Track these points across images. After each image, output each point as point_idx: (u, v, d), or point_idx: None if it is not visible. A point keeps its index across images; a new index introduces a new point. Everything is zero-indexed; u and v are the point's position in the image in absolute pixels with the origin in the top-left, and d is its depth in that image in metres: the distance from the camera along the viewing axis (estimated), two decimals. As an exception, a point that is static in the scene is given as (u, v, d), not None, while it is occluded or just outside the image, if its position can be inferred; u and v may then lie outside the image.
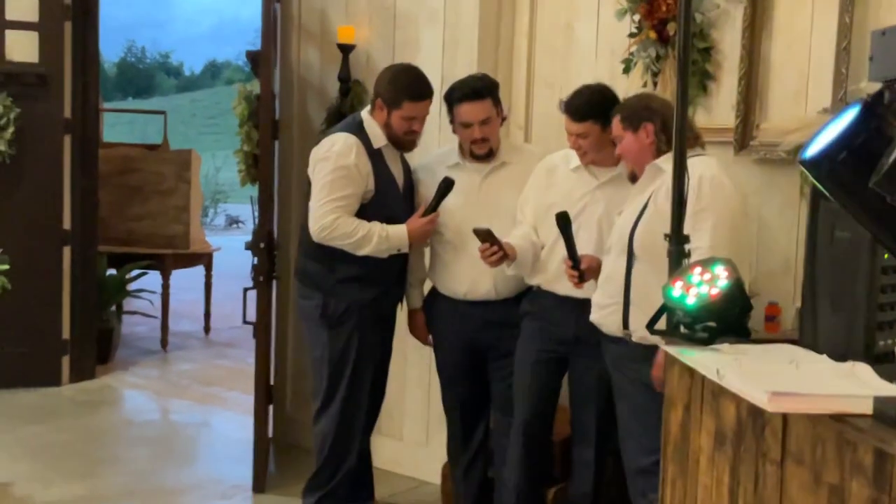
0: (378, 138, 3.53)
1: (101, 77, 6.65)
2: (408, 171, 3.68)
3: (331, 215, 3.40)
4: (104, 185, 6.54)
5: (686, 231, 2.66)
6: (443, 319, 3.69)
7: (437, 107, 3.83)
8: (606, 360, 3.17)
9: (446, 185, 3.48)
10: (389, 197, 3.54)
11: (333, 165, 3.43)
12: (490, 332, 3.57)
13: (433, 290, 3.73)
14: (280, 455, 4.68)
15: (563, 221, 3.13)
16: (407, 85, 3.52)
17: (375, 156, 3.51)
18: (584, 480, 3.41)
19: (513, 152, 3.65)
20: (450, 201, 3.53)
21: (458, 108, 3.51)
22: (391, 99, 3.50)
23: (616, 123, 3.10)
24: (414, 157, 3.91)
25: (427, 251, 3.74)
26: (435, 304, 3.72)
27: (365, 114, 3.60)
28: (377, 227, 3.44)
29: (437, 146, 4.04)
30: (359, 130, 3.52)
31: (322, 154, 3.49)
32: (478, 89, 3.49)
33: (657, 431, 2.83)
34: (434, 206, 3.50)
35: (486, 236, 3.24)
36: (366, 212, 3.46)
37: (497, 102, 3.55)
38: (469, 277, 3.53)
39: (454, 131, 3.59)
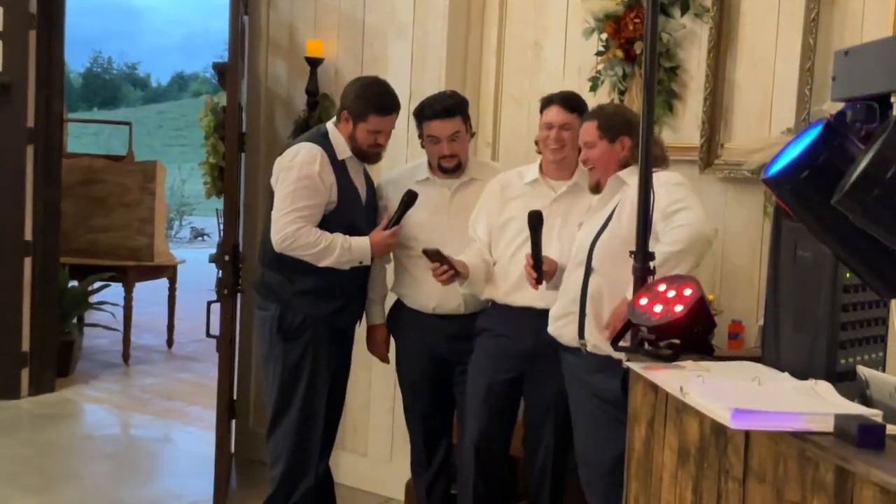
0: (342, 150, 3.51)
1: (67, 87, 6.59)
2: (371, 184, 3.67)
3: (293, 225, 3.37)
4: (67, 196, 6.47)
5: (660, 230, 2.72)
6: (408, 333, 3.67)
7: (406, 122, 3.83)
8: (563, 370, 3.18)
9: (409, 198, 3.47)
10: (352, 209, 3.52)
11: (297, 175, 3.41)
12: (457, 344, 3.55)
13: (397, 304, 3.72)
14: (242, 470, 4.63)
15: (535, 220, 3.11)
16: (374, 98, 3.50)
17: (339, 167, 3.49)
18: (543, 493, 3.41)
19: (481, 169, 3.66)
20: (419, 216, 3.53)
21: (427, 125, 3.52)
22: (358, 111, 3.49)
23: (591, 128, 3.10)
24: (381, 172, 3.90)
25: (390, 266, 3.73)
26: (400, 318, 3.70)
27: (330, 125, 3.58)
28: (340, 239, 3.41)
29: (404, 162, 4.04)
30: (323, 141, 3.50)
31: (285, 164, 3.46)
32: (448, 107, 3.49)
33: (607, 442, 2.85)
34: (397, 219, 3.49)
35: (435, 256, 3.25)
36: (328, 223, 3.44)
37: (466, 119, 3.56)
38: (438, 292, 3.52)
39: (422, 146, 3.59)
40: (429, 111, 3.51)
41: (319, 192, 3.42)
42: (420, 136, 3.57)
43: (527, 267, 3.15)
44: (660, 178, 2.91)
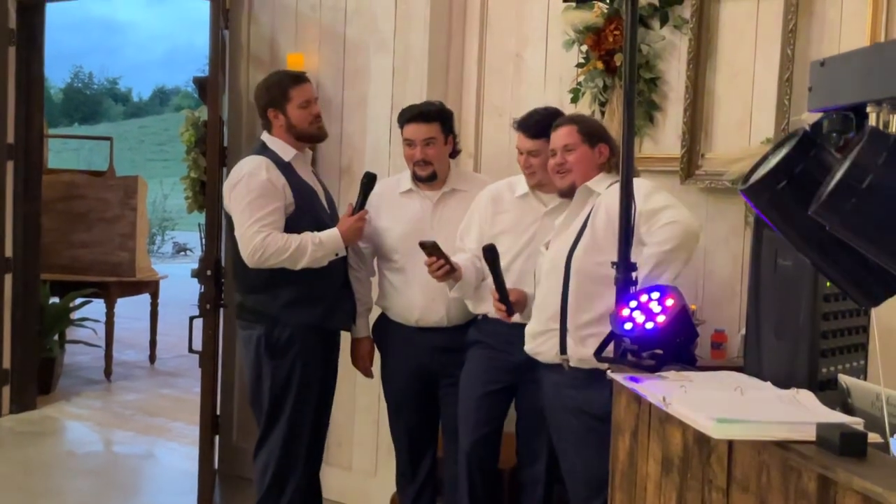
0: (285, 152, 3.53)
1: (47, 103, 6.56)
2: (323, 183, 3.71)
3: (259, 235, 3.36)
4: (48, 212, 6.44)
5: (644, 233, 2.73)
6: (392, 346, 3.66)
7: (388, 135, 3.83)
8: (544, 388, 3.13)
9: (369, 180, 3.50)
10: (312, 206, 3.53)
11: (247, 187, 3.41)
12: (441, 357, 3.54)
13: (382, 317, 3.71)
14: (226, 486, 4.60)
15: (491, 255, 3.12)
16: (281, 78, 3.60)
17: (287, 169, 3.50)
18: (535, 500, 3.40)
19: (464, 180, 3.65)
20: (401, 227, 3.53)
21: (405, 127, 3.53)
22: (277, 98, 3.54)
23: (572, 132, 3.07)
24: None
25: (374, 280, 3.72)
26: (384, 331, 3.69)
27: (265, 136, 3.60)
28: (308, 236, 3.41)
29: (386, 175, 4.04)
30: (264, 151, 3.53)
31: (234, 181, 3.47)
32: (425, 112, 3.51)
33: (596, 459, 2.84)
34: (361, 203, 3.50)
35: (432, 249, 3.24)
36: (294, 226, 3.43)
37: (447, 130, 3.55)
38: (421, 304, 3.52)
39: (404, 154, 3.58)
40: (407, 114, 3.54)
41: (275, 197, 3.41)
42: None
43: (494, 303, 3.16)
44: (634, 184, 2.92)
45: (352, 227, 3.48)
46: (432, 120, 3.50)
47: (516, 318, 3.26)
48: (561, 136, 3.09)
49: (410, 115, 3.51)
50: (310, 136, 3.58)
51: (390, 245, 3.56)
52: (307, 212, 3.48)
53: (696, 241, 2.91)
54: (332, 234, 3.45)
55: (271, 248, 3.35)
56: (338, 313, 3.61)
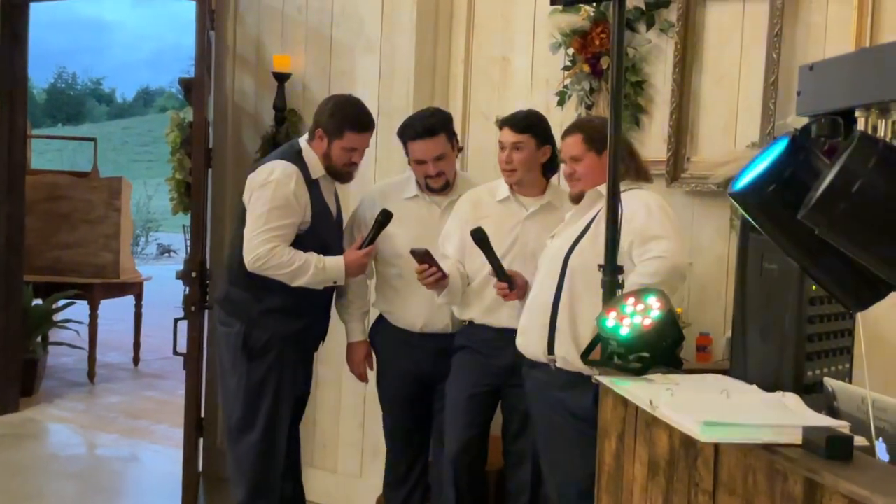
0: (316, 168, 3.46)
1: (30, 103, 6.52)
2: (339, 203, 3.63)
3: (267, 245, 3.32)
4: (31, 213, 6.40)
5: (635, 255, 2.71)
6: (392, 351, 3.63)
7: (374, 138, 3.80)
8: (528, 387, 3.14)
9: (384, 218, 3.42)
10: (324, 228, 3.48)
11: (272, 194, 3.35)
12: (441, 362, 3.50)
13: (381, 320, 3.68)
14: (210, 489, 4.57)
15: (480, 236, 3.12)
16: (350, 115, 3.45)
17: (313, 186, 3.44)
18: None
19: (469, 185, 3.59)
20: (408, 234, 3.47)
21: (411, 145, 3.46)
22: (333, 129, 3.43)
23: (576, 141, 3.06)
24: (352, 190, 3.88)
25: (371, 283, 3.69)
26: (383, 335, 3.66)
27: (303, 142, 3.52)
28: (314, 258, 3.37)
29: (373, 180, 4.03)
30: (297, 159, 3.45)
31: (260, 181, 3.40)
32: (430, 126, 3.44)
33: (579, 460, 2.83)
34: (371, 239, 3.44)
35: (423, 257, 3.22)
36: (300, 243, 3.38)
37: (451, 136, 3.51)
38: (426, 311, 3.49)
39: (409, 163, 3.55)
40: (410, 131, 3.46)
41: (294, 212, 3.37)
42: (407, 155, 3.53)
43: (495, 283, 3.16)
44: (640, 195, 2.89)
45: (357, 261, 3.43)
46: (438, 133, 3.44)
47: (503, 322, 3.26)
48: (569, 146, 3.09)
49: (415, 133, 3.44)
50: (334, 173, 3.50)
51: (394, 250, 3.51)
52: (318, 233, 3.43)
53: (683, 279, 2.89)
54: (336, 263, 3.40)
55: (274, 260, 3.31)
56: (314, 331, 3.60)
